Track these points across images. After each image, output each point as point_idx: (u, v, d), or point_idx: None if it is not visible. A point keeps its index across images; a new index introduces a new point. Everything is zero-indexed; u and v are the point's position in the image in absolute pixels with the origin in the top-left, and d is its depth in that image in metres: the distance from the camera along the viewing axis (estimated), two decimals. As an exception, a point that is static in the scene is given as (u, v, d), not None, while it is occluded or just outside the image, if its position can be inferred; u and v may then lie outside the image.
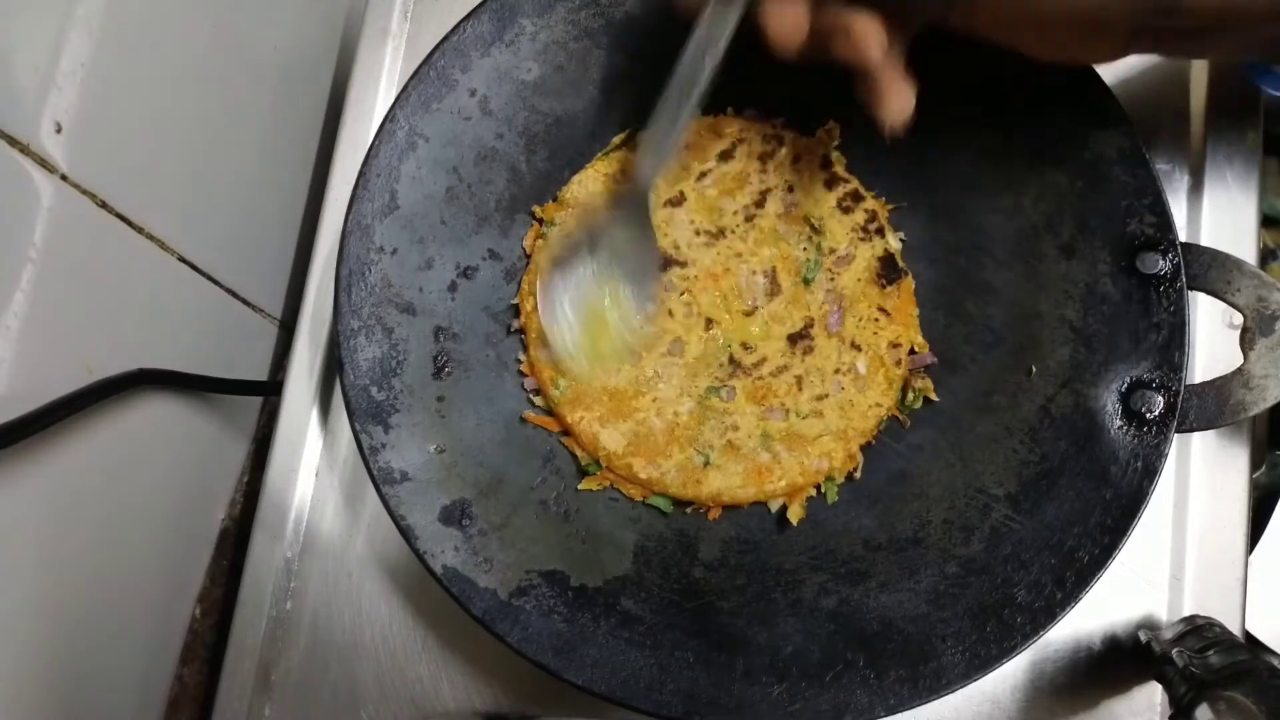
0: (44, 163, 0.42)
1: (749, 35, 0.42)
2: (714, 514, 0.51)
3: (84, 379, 0.45)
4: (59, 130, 0.42)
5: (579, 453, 0.51)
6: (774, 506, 0.51)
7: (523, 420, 0.52)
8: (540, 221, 0.53)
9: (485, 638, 0.45)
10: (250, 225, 0.62)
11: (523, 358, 0.52)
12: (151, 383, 0.50)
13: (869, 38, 0.40)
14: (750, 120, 0.54)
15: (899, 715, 0.44)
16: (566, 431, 0.52)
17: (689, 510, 0.51)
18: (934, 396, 0.51)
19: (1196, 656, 0.44)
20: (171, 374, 0.52)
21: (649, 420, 0.51)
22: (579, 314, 0.48)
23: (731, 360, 0.52)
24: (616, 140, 0.54)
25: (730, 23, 0.42)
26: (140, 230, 0.49)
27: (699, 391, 0.51)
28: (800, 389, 0.51)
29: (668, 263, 0.53)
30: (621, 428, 0.51)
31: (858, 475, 0.51)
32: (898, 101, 0.42)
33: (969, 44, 0.43)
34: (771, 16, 0.40)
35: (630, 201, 0.48)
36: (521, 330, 0.52)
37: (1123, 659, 0.52)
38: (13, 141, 0.40)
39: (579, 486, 0.51)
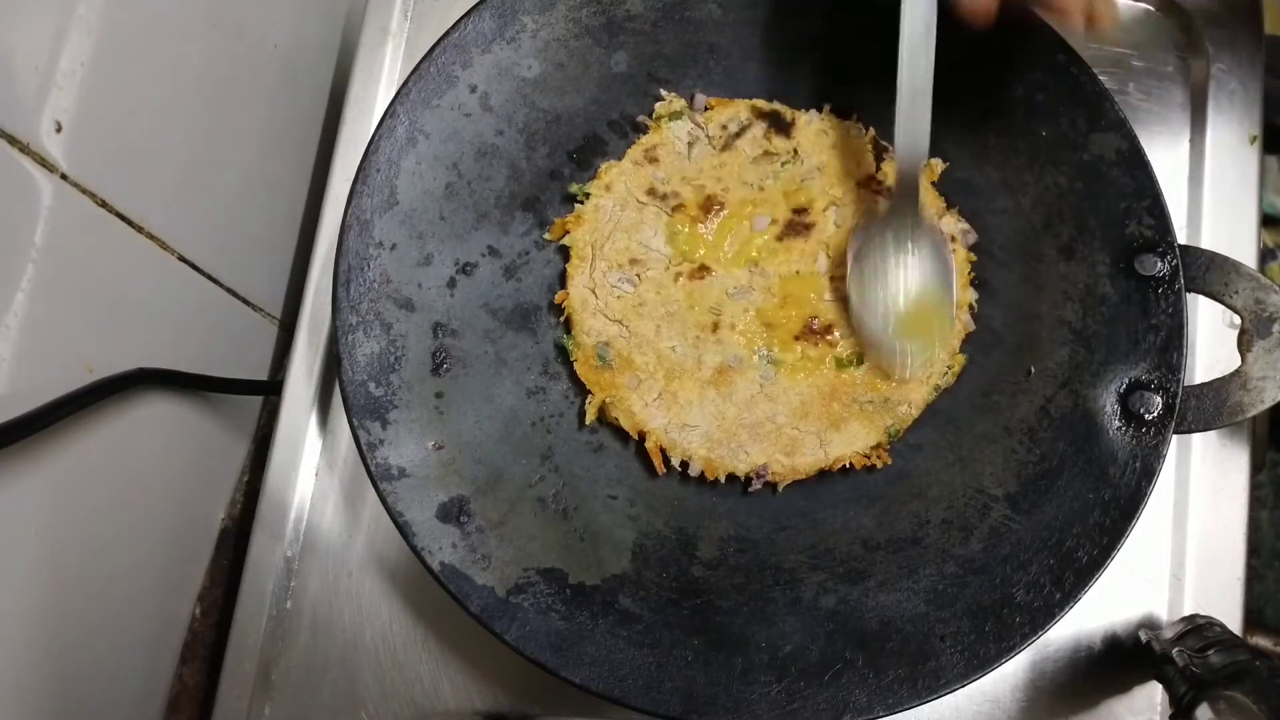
0: (44, 162, 0.42)
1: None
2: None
3: (84, 379, 0.45)
4: (59, 130, 0.42)
5: (591, 411, 0.51)
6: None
7: (531, 393, 0.51)
8: (576, 200, 0.53)
9: (485, 637, 0.45)
10: (250, 225, 0.62)
11: (568, 341, 0.52)
12: (151, 382, 0.50)
13: None
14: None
15: (898, 715, 0.44)
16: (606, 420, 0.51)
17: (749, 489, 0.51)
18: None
19: (1197, 656, 0.44)
20: (171, 374, 0.52)
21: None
22: (898, 298, 0.49)
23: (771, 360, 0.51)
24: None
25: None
26: (140, 230, 0.49)
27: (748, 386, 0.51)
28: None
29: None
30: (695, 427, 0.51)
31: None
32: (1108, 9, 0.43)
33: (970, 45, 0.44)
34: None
35: (904, 204, 0.49)
36: (561, 307, 0.52)
37: (1123, 658, 0.52)
38: (13, 141, 0.40)
39: (587, 420, 0.51)
